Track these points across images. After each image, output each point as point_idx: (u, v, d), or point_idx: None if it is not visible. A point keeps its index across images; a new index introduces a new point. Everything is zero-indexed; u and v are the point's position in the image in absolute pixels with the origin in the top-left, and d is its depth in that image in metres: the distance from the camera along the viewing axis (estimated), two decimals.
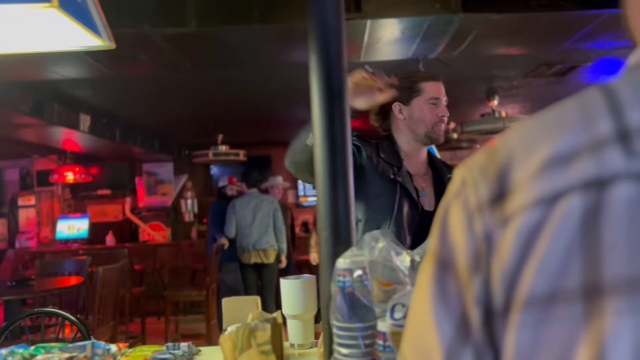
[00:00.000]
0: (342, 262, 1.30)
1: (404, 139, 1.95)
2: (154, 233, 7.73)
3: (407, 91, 1.92)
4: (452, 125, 6.90)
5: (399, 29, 3.10)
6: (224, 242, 5.21)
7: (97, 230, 7.29)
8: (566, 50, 3.82)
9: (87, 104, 5.18)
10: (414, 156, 1.96)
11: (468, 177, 0.46)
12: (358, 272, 1.28)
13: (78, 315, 4.00)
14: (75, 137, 5.77)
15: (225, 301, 1.72)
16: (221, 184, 5.85)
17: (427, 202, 1.93)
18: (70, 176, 6.99)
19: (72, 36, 1.54)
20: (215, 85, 4.82)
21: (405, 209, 1.84)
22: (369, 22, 2.95)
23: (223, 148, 6.84)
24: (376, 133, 2.07)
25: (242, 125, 6.57)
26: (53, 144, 6.40)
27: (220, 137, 6.89)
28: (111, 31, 3.06)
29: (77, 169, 7.03)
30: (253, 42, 3.14)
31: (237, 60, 3.53)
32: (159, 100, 5.38)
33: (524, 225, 0.41)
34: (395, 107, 1.93)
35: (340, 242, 1.42)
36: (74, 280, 3.84)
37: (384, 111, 1.97)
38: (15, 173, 7.70)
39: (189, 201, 7.81)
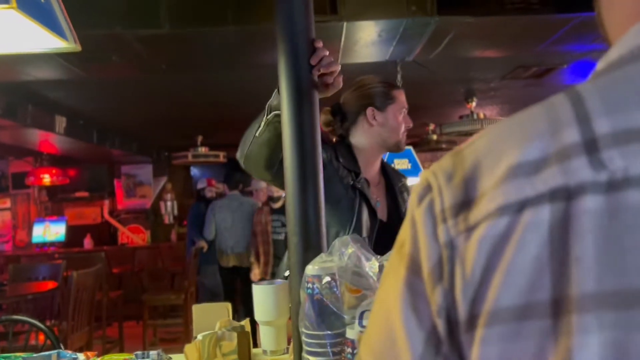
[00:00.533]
0: (310, 269, 1.28)
1: (368, 146, 1.88)
2: (133, 235, 7.64)
3: (383, 97, 1.87)
4: (431, 126, 6.95)
5: (376, 32, 3.10)
6: (203, 245, 5.16)
7: (74, 233, 7.18)
8: (542, 53, 3.85)
9: (63, 105, 5.10)
10: (372, 164, 1.91)
11: (433, 181, 0.44)
12: (327, 279, 1.27)
13: (52, 321, 3.94)
14: (51, 139, 5.68)
15: (196, 308, 1.69)
16: (200, 186, 5.80)
17: (380, 212, 1.88)
18: (46, 178, 6.87)
19: (35, 38, 1.50)
20: (193, 87, 4.77)
21: (364, 217, 1.79)
22: (345, 24, 2.94)
23: (202, 150, 6.79)
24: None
25: (222, 126, 6.51)
26: (29, 146, 6.29)
27: (199, 138, 6.83)
28: (83, 32, 3.00)
29: (53, 171, 6.92)
30: (228, 44, 3.11)
31: (213, 62, 3.49)
32: (137, 102, 5.32)
33: (488, 234, 0.39)
34: (370, 111, 1.86)
35: (310, 248, 1.40)
36: (48, 285, 3.78)
37: (343, 113, 1.91)
38: None
39: (169, 203, 7.73)
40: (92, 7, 2.84)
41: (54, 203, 7.65)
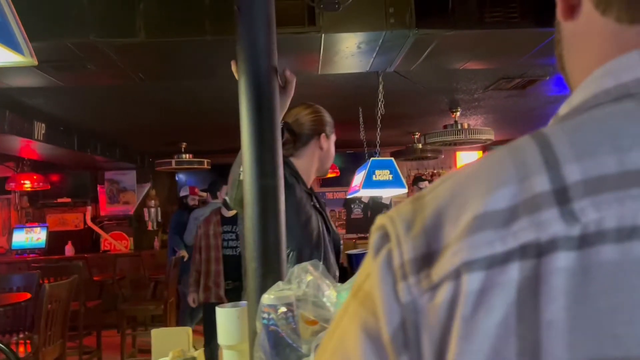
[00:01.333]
0: (266, 298, 1.23)
1: (310, 168, 1.95)
2: (115, 242, 7.54)
3: (329, 125, 1.99)
4: (417, 135, 6.93)
5: (355, 43, 3.06)
6: (183, 254, 5.10)
7: (56, 240, 7.07)
8: (525, 65, 3.84)
9: (42, 112, 5.02)
10: (309, 185, 1.97)
11: (391, 229, 0.40)
12: (282, 309, 1.22)
13: (26, 333, 3.86)
14: (32, 144, 5.59)
15: (155, 332, 1.64)
16: (182, 193, 5.73)
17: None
18: (27, 184, 6.77)
19: None
20: (175, 94, 4.72)
21: (327, 237, 1.83)
22: (323, 35, 2.90)
23: (186, 156, 6.71)
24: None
25: (206, 133, 6.46)
26: (10, 152, 6.19)
27: (183, 145, 6.77)
28: (56, 41, 2.95)
29: (35, 177, 6.82)
30: (205, 54, 3.07)
31: (190, 71, 3.45)
32: (119, 108, 5.25)
33: (451, 294, 0.35)
34: (323, 137, 1.95)
35: (269, 274, 1.35)
36: (21, 297, 3.70)
37: (295, 135, 1.94)
38: None
39: (152, 210, 7.64)
40: (65, 15, 2.78)
41: (36, 209, 7.54)
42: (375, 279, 0.39)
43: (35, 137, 5.14)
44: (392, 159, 4.10)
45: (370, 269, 0.40)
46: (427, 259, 0.37)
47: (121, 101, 4.94)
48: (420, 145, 6.68)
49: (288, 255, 1.68)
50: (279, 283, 1.28)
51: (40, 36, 2.81)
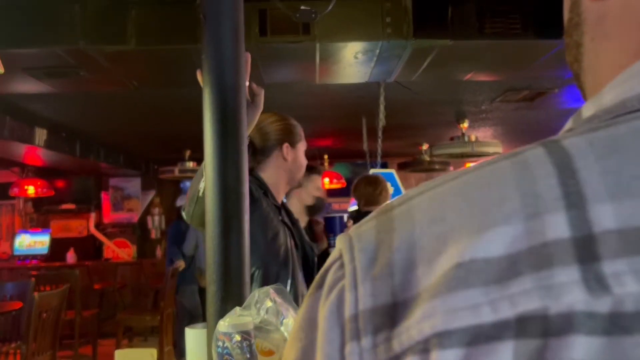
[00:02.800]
0: (222, 325, 1.15)
1: (278, 180, 1.84)
2: (118, 250, 7.51)
3: (294, 134, 1.88)
4: (424, 146, 6.82)
5: (351, 53, 2.99)
6: (181, 264, 5.04)
7: (58, 246, 7.04)
8: (531, 77, 3.74)
9: (43, 117, 5.01)
10: (280, 198, 1.89)
11: (347, 260, 0.29)
12: (237, 337, 1.14)
13: (17, 342, 3.80)
14: (35, 150, 5.59)
15: (118, 353, 1.57)
16: (180, 202, 5.66)
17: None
18: (31, 190, 6.77)
19: None
20: (176, 101, 4.67)
21: (295, 253, 1.74)
22: (318, 45, 2.83)
23: (190, 164, 6.68)
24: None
25: None
26: (14, 157, 6.20)
27: (187, 153, 6.73)
28: (47, 48, 2.91)
29: (38, 183, 6.82)
30: (197, 62, 3.01)
31: (183, 79, 3.39)
32: (120, 115, 5.23)
33: None
34: (285, 147, 1.85)
35: (229, 298, 1.27)
36: (11, 306, 3.65)
37: (254, 146, 1.84)
38: None
39: (156, 218, 7.61)
40: (55, 21, 2.75)
41: (40, 215, 7.54)
42: (320, 331, 0.29)
43: (37, 143, 5.13)
44: (393, 171, 4.02)
45: (314, 313, 0.30)
46: (390, 313, 0.27)
47: (123, 107, 4.91)
48: (427, 157, 6.58)
49: (253, 274, 1.60)
50: (237, 309, 1.20)
51: (31, 42, 2.78)
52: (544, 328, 0.24)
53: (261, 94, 1.48)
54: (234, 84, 1.31)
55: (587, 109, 0.31)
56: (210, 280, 1.27)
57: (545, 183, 0.26)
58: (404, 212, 0.29)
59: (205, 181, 1.29)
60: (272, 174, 1.84)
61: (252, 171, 1.87)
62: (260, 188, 1.75)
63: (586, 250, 0.24)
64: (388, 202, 0.31)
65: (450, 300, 0.25)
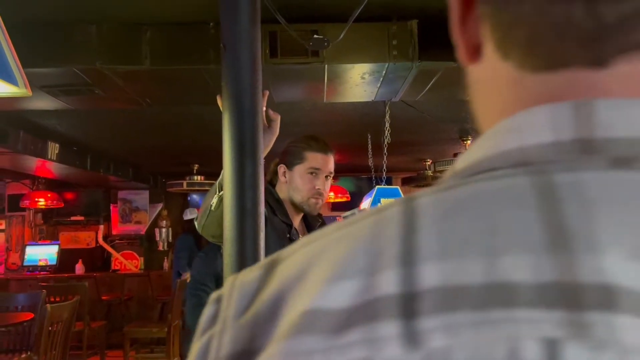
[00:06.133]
0: None
1: (286, 199, 1.93)
2: (126, 262, 7.58)
3: (292, 156, 1.93)
4: (428, 162, 6.90)
5: (358, 74, 3.08)
6: (188, 276, 5.10)
7: (67, 258, 7.13)
8: None
9: (56, 132, 5.11)
10: (294, 215, 1.94)
11: (223, 307, 0.31)
12: None
13: (28, 353, 3.87)
14: (47, 163, 5.69)
15: None
16: (190, 216, 5.74)
17: None
18: (41, 202, 6.87)
19: None
20: (185, 117, 4.78)
21: None
22: (326, 66, 2.92)
23: (198, 178, 6.77)
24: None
25: (217, 155, 6.48)
26: (25, 170, 6.30)
27: (195, 167, 6.82)
28: (63, 67, 3.01)
29: (49, 195, 6.92)
30: (209, 82, 3.10)
31: (195, 98, 3.49)
32: (130, 131, 5.33)
33: None
34: (281, 168, 1.93)
35: None
36: (23, 317, 3.72)
37: (267, 165, 1.92)
38: None
39: (164, 230, 7.69)
40: (72, 42, 2.85)
41: (49, 226, 7.63)
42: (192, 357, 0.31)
43: (49, 157, 5.23)
44: (398, 187, 4.09)
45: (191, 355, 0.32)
46: (244, 359, 0.28)
47: (133, 123, 5.01)
48: (431, 172, 6.65)
49: None
50: None
51: (49, 62, 2.88)
52: None
53: (277, 120, 1.56)
54: (251, 109, 1.39)
55: (458, 163, 0.33)
56: None
57: (389, 241, 0.28)
58: (283, 267, 0.31)
59: (224, 201, 1.37)
60: (280, 192, 1.94)
61: (271, 182, 1.97)
62: (271, 205, 1.83)
63: (408, 306, 0.25)
64: (280, 251, 0.33)
65: (289, 345, 0.27)
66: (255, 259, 1.37)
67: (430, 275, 0.26)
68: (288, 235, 1.82)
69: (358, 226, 0.30)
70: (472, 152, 0.33)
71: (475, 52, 0.35)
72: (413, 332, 0.25)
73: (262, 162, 1.42)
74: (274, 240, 1.74)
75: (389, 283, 0.26)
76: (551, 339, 0.23)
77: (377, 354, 0.25)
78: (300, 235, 1.90)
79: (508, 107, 0.33)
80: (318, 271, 0.29)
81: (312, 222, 2.00)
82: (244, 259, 1.36)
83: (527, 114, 0.31)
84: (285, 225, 1.84)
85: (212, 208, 1.58)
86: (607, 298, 0.23)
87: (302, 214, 1.98)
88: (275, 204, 1.87)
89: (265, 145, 1.52)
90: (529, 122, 0.31)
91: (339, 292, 0.27)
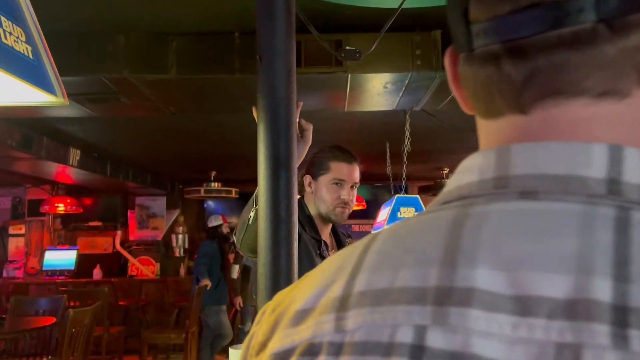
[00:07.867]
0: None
1: (313, 211, 1.92)
2: (142, 267, 7.64)
3: (317, 167, 1.92)
4: (445, 170, 6.89)
5: (381, 83, 3.09)
6: (207, 283, 5.12)
7: (85, 263, 7.20)
8: None
9: (77, 138, 5.18)
10: (323, 228, 1.92)
11: (260, 312, 0.41)
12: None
13: (49, 357, 3.91)
14: (67, 169, 5.77)
15: None
16: (214, 223, 5.73)
17: None
18: (61, 207, 6.96)
19: (24, 93, 1.52)
20: (205, 126, 4.82)
21: None
22: (350, 75, 2.95)
23: (215, 185, 6.81)
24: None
25: (234, 162, 6.55)
26: (46, 176, 6.39)
27: (212, 173, 6.87)
28: (91, 75, 3.06)
29: (68, 200, 7.00)
30: (234, 91, 3.14)
31: (219, 106, 3.52)
32: (150, 139, 5.39)
33: None
34: (306, 179, 1.93)
35: None
36: (46, 321, 3.76)
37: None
38: (8, 201, 7.66)
39: (180, 236, 7.74)
40: (101, 51, 2.90)
41: (68, 231, 7.71)
42: (243, 347, 0.41)
43: (70, 163, 5.30)
44: (418, 196, 4.08)
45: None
46: (264, 345, 0.38)
47: (153, 130, 5.07)
48: (446, 181, 6.64)
49: None
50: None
51: (77, 71, 2.93)
52: (311, 350, 0.34)
53: (310, 129, 1.58)
54: (286, 120, 1.41)
55: (440, 193, 0.40)
56: (261, 305, 1.37)
57: (350, 259, 0.37)
58: (295, 287, 0.40)
59: (258, 210, 1.39)
60: (308, 201, 1.93)
61: (302, 197, 1.96)
62: (300, 222, 1.82)
63: (342, 304, 0.34)
64: (306, 275, 0.41)
65: (283, 333, 0.36)
66: (288, 269, 1.39)
67: (361, 282, 0.35)
68: (318, 252, 1.82)
69: (345, 250, 0.39)
70: (447, 185, 0.41)
71: (466, 103, 0.43)
72: (340, 319, 0.34)
73: (295, 171, 1.43)
74: (306, 257, 1.74)
75: (337, 289, 0.35)
76: (420, 325, 0.31)
77: (319, 334, 0.34)
78: (329, 250, 1.89)
79: (482, 146, 0.41)
80: (310, 282, 0.38)
81: (341, 238, 1.99)
82: (278, 268, 1.37)
83: (472, 157, 0.39)
84: (315, 241, 1.83)
85: (250, 222, 1.59)
86: (467, 297, 0.31)
87: (330, 225, 1.97)
88: (305, 219, 1.86)
89: (299, 155, 1.54)
90: (470, 164, 0.38)
91: (313, 296, 0.37)
